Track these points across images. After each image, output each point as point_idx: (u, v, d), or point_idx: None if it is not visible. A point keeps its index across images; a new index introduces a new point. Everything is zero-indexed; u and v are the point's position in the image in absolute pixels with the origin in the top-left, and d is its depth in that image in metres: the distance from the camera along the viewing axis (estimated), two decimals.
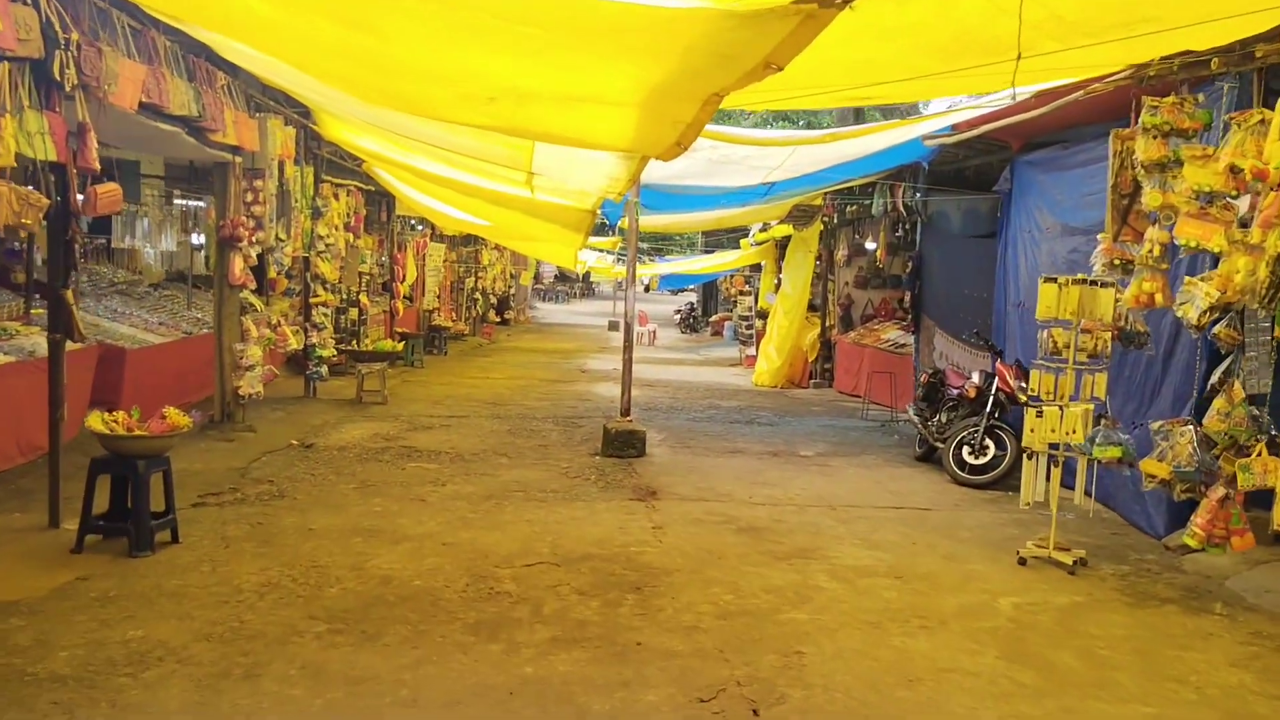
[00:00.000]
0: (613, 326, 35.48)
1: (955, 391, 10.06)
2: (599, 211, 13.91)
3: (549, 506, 7.70)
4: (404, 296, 22.17)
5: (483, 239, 28.53)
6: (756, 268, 31.05)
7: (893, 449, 11.19)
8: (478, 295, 29.74)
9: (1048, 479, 6.63)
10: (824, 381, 17.86)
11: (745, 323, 23.47)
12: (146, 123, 7.77)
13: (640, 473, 9.15)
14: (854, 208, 16.09)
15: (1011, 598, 5.80)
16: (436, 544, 6.47)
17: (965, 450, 9.27)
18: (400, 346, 14.17)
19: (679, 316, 38.35)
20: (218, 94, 9.02)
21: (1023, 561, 6.53)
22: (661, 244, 44.67)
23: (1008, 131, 10.46)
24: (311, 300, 13.21)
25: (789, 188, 12.08)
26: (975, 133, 10.27)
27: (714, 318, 35.85)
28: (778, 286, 26.77)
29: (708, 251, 37.65)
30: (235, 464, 8.97)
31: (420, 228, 23.54)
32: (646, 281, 61.10)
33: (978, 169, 12.49)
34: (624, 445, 9.83)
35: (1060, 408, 6.44)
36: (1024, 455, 6.62)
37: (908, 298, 13.84)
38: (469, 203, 14.64)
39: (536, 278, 45.05)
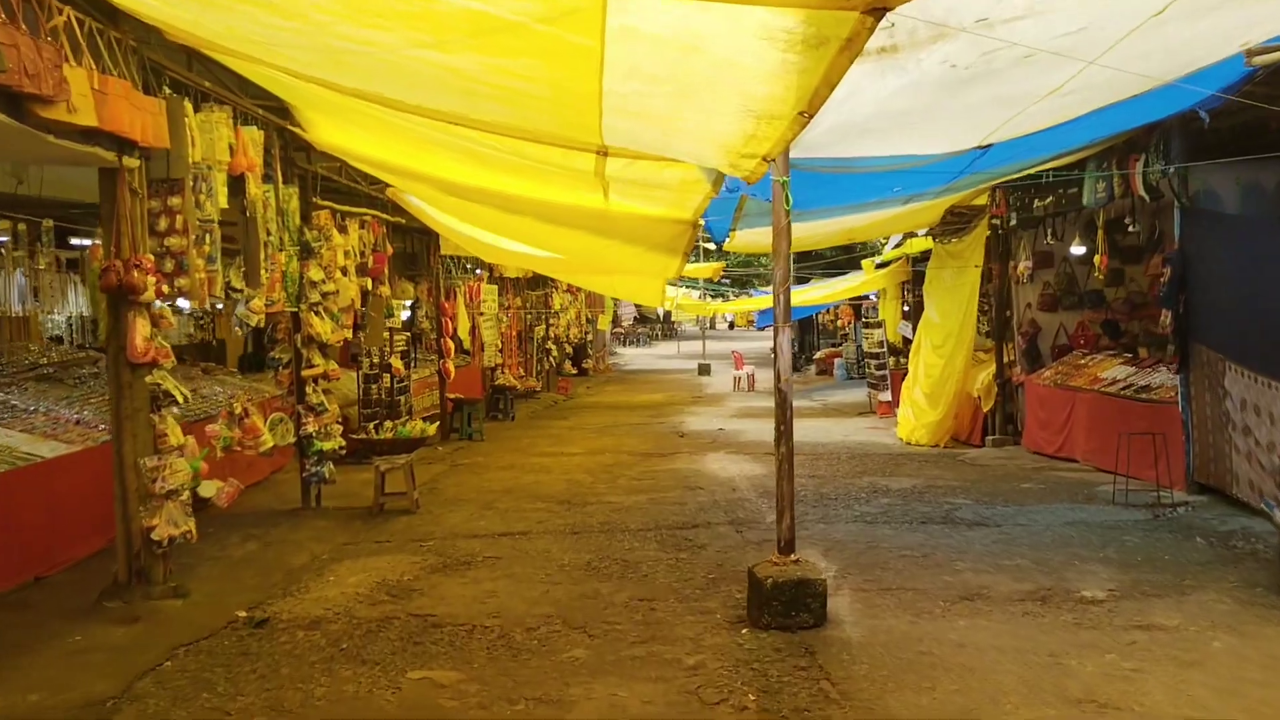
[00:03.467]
0: (703, 370, 31.38)
1: None
2: (702, 222, 9.85)
3: None
4: (460, 352, 18.38)
5: (553, 280, 24.75)
6: (862, 297, 26.55)
7: (1226, 570, 6.70)
8: (550, 345, 25.86)
9: None
10: (1006, 437, 13.36)
11: (875, 361, 19.03)
12: None
13: (838, 681, 4.86)
14: (1045, 201, 11.69)
15: None
16: None
17: None
18: (432, 429, 10.23)
19: None
20: (47, 38, 5.18)
21: None
22: (746, 273, 40.46)
23: None
24: (304, 373, 9.31)
25: (1000, 161, 7.82)
26: None
27: (819, 354, 31.37)
28: (906, 315, 22.40)
29: (801, 280, 33.19)
30: (106, 686, 5.01)
31: (479, 271, 19.77)
32: (731, 318, 57.09)
33: None
34: (790, 607, 5.57)
35: None
36: None
37: (1166, 318, 9.35)
38: (521, 226, 10.71)
39: (615, 320, 41.11)
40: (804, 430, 15.89)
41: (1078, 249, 11.70)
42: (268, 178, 8.56)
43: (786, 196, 5.60)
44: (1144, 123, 8.26)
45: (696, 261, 22.96)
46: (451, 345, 16.13)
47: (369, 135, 8.66)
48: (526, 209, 9.67)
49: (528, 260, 15.41)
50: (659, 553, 7.57)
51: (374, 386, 13.06)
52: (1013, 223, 12.77)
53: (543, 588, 6.68)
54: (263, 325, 8.59)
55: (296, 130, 9.03)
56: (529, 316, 24.27)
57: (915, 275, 19.33)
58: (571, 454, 13.55)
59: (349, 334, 10.53)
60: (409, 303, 16.42)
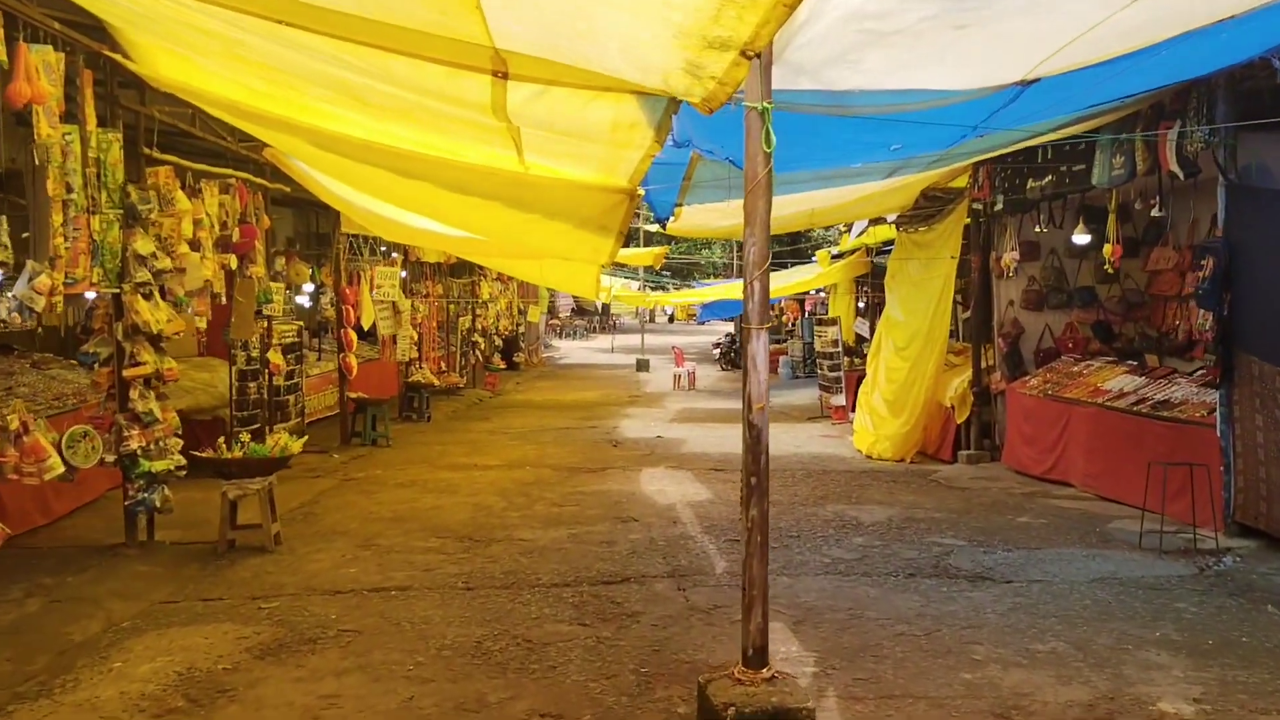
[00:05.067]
0: (642, 366, 29.48)
1: None
2: (641, 192, 7.96)
3: None
4: (376, 345, 16.38)
5: (481, 268, 22.65)
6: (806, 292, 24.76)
7: None
8: (477, 338, 23.73)
9: None
10: (983, 452, 11.72)
11: (829, 362, 17.28)
12: None
13: None
14: (1042, 181, 10.01)
15: None
16: None
17: None
18: (297, 445, 8.17)
19: (718, 351, 32.13)
20: None
21: None
22: (687, 262, 38.80)
23: None
24: (127, 372, 7.22)
25: (1031, 114, 6.05)
26: None
27: None
28: (860, 312, 20.74)
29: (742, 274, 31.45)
30: None
31: (394, 254, 17.62)
32: (671, 311, 55.30)
33: None
34: None
35: None
36: None
37: (1206, 320, 7.71)
38: (421, 195, 8.68)
39: (550, 311, 38.95)
40: None
41: (1080, 237, 10.04)
42: (71, 116, 6.48)
43: (768, 132, 3.74)
44: (1203, 73, 6.57)
45: (636, 246, 21.10)
46: (354, 337, 14.04)
47: (211, 64, 6.65)
48: (425, 173, 7.70)
49: (439, 241, 13.36)
50: (575, 626, 5.66)
51: (251, 385, 10.95)
52: (998, 207, 11.08)
53: (406, 690, 4.73)
54: (60, 309, 6.48)
55: (119, 59, 6.94)
56: (453, 306, 22.16)
57: (873, 269, 17.69)
58: (486, 466, 11.60)
59: (201, 323, 8.46)
60: (309, 287, 14.30)
